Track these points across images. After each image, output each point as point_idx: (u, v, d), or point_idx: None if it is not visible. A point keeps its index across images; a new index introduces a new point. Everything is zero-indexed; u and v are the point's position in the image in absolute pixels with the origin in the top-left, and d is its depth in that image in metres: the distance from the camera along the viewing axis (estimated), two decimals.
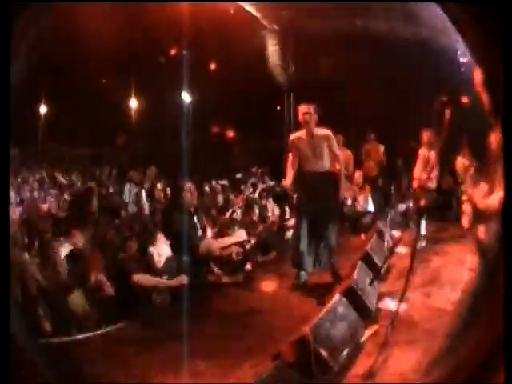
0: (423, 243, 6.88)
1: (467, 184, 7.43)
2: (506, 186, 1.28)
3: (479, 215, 3.81)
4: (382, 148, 9.88)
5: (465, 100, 3.88)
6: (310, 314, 4.44)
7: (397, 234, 7.84)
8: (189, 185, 6.54)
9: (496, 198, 2.63)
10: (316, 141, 6.09)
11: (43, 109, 16.43)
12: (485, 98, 3.23)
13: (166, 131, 13.58)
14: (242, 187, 11.37)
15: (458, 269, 5.65)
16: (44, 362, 1.42)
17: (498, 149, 2.82)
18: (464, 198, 7.46)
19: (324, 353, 3.51)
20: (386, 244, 6.97)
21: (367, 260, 5.76)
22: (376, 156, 9.88)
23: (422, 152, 8.40)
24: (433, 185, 7.76)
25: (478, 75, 3.22)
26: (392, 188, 10.36)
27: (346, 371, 3.65)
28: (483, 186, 3.17)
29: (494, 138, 2.80)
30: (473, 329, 1.33)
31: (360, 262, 5.48)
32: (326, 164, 6.16)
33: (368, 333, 4.30)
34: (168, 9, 10.26)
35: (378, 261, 5.93)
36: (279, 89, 13.35)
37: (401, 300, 4.12)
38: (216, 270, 6.40)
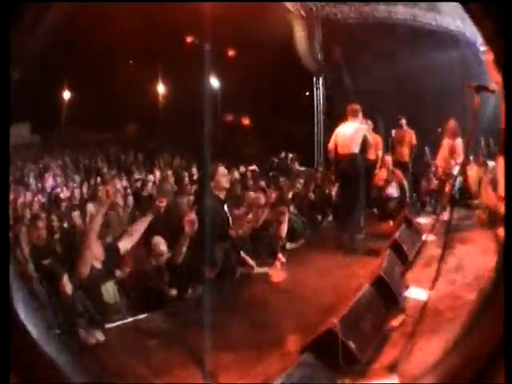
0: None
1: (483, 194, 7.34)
2: (506, 184, 1.28)
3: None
4: (413, 133, 9.81)
5: (493, 86, 3.83)
6: (339, 302, 4.41)
7: (424, 221, 7.79)
8: (223, 168, 6.05)
9: None
10: None
11: (67, 94, 16.51)
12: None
13: (193, 117, 13.65)
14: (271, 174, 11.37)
15: (482, 257, 5.53)
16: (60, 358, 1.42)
17: None
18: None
19: (352, 345, 3.45)
20: (414, 232, 6.88)
21: (396, 248, 5.68)
22: (408, 141, 9.81)
23: (446, 142, 8.38)
24: (457, 171, 7.64)
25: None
26: (420, 174, 10.28)
27: (371, 362, 3.58)
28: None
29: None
30: (478, 326, 1.33)
31: (389, 250, 5.42)
32: None
33: (395, 323, 4.25)
34: None
35: (406, 249, 5.86)
36: (308, 74, 13.23)
37: (431, 290, 4.06)
38: (249, 260, 6.13)
